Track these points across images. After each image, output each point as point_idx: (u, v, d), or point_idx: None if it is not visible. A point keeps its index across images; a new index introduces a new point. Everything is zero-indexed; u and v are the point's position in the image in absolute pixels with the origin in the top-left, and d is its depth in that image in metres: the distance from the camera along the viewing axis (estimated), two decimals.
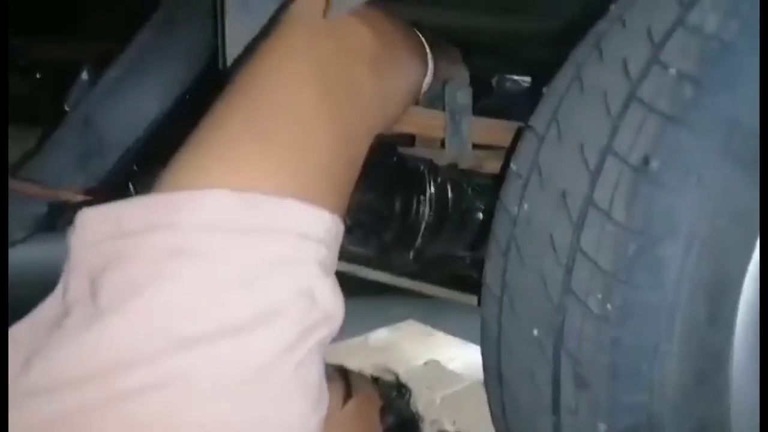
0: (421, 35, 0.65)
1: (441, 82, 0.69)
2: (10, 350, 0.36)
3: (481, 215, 0.76)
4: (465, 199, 0.76)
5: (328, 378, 0.56)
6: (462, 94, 0.71)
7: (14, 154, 0.80)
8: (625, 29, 0.60)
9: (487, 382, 0.61)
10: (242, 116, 0.44)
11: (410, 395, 0.62)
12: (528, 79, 1.11)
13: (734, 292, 0.50)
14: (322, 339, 0.39)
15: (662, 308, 0.49)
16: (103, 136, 0.78)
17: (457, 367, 1.30)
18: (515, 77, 1.12)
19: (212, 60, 0.73)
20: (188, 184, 0.40)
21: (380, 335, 1.42)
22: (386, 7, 0.55)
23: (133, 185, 0.79)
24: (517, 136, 0.66)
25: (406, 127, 0.74)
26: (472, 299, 0.68)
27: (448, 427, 0.94)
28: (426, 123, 0.72)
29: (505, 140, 0.71)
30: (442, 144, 0.72)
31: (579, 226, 0.54)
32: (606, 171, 0.54)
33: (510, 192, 0.61)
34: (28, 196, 0.67)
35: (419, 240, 0.75)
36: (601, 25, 0.62)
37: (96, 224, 0.38)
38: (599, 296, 0.50)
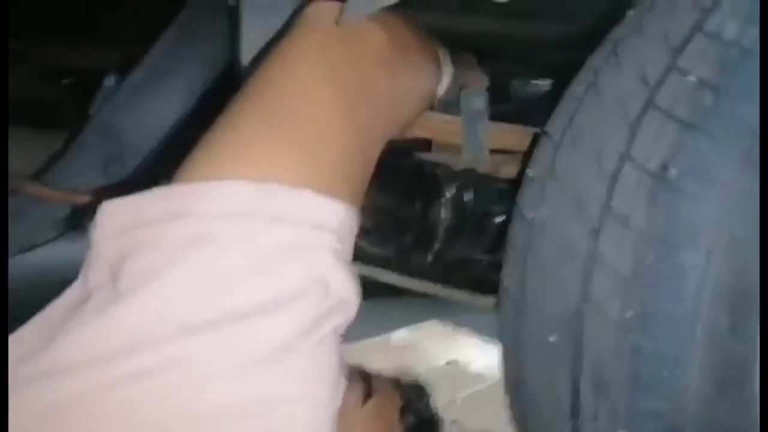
0: (437, 42, 0.66)
1: (457, 88, 0.69)
2: (29, 337, 0.36)
3: (499, 219, 0.76)
4: (483, 203, 0.76)
5: (348, 377, 0.57)
6: (478, 100, 0.71)
7: (42, 158, 0.82)
8: (643, 35, 0.60)
9: (506, 387, 0.61)
10: (258, 114, 0.45)
11: (430, 396, 0.62)
12: (548, 83, 1.11)
13: (757, 301, 0.50)
14: (338, 326, 0.40)
15: (683, 317, 0.49)
16: (124, 140, 0.80)
17: (479, 367, 1.30)
18: (535, 81, 1.12)
19: (230, 63, 0.74)
20: (205, 177, 0.40)
21: (402, 335, 1.43)
22: (403, 13, 0.56)
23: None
24: (534, 141, 0.66)
25: (423, 132, 0.74)
26: (490, 302, 0.69)
27: (468, 427, 0.94)
28: (442, 128, 0.73)
29: (522, 145, 0.71)
30: (459, 149, 0.73)
31: (597, 233, 0.54)
32: (624, 178, 0.54)
33: (527, 198, 0.61)
34: (45, 200, 0.68)
35: (438, 243, 0.75)
36: (618, 31, 0.62)
37: (116, 216, 0.39)
38: (618, 304, 0.50)
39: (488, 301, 0.70)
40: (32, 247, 0.67)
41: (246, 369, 0.36)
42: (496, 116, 0.78)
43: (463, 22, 0.73)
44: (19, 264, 0.67)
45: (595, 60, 0.63)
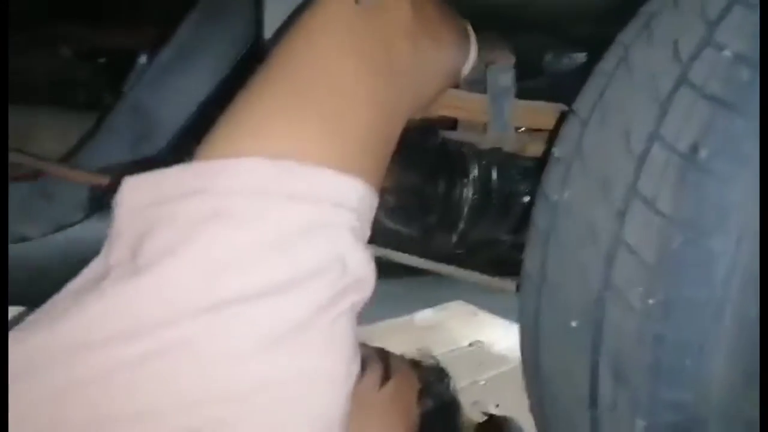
0: (463, 18, 0.64)
1: (483, 65, 0.67)
2: (48, 311, 0.37)
3: (524, 199, 0.75)
4: (508, 183, 0.74)
5: (368, 359, 0.57)
6: (505, 76, 0.69)
7: (78, 138, 0.83)
8: (678, 7, 0.57)
9: (525, 373, 0.60)
10: (279, 88, 0.44)
11: (450, 379, 0.62)
12: (583, 55, 1.07)
13: None
14: (354, 304, 0.40)
15: (709, 304, 0.47)
16: (152, 119, 0.80)
17: (502, 349, 1.29)
18: (570, 54, 1.08)
19: (256, 40, 0.74)
20: (225, 153, 0.40)
21: (426, 315, 1.42)
22: None
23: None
24: (561, 119, 0.64)
25: (448, 111, 0.73)
26: (512, 285, 0.67)
27: (491, 409, 0.94)
28: (468, 106, 0.71)
29: (549, 123, 0.69)
30: (485, 128, 0.71)
31: (622, 216, 0.52)
32: (652, 158, 0.51)
33: (551, 178, 0.59)
34: (70, 180, 0.70)
35: (462, 223, 0.74)
36: (653, 3, 0.59)
37: (137, 192, 0.39)
38: (641, 290, 0.48)
39: (510, 284, 0.68)
40: (61, 228, 0.69)
41: (263, 348, 0.36)
42: (528, 91, 0.76)
43: None
44: (51, 242, 0.70)
45: (627, 34, 0.60)
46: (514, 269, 0.65)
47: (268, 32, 0.65)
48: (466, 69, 0.65)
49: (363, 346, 0.44)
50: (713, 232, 0.48)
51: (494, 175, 0.73)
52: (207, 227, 0.36)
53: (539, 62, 1.03)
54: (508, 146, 0.73)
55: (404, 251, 0.74)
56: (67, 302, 0.37)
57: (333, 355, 0.38)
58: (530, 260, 0.59)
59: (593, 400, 0.51)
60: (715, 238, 0.47)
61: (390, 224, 0.76)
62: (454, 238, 0.73)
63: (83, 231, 0.70)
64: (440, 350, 1.25)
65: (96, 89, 1.07)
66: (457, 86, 0.69)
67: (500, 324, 1.41)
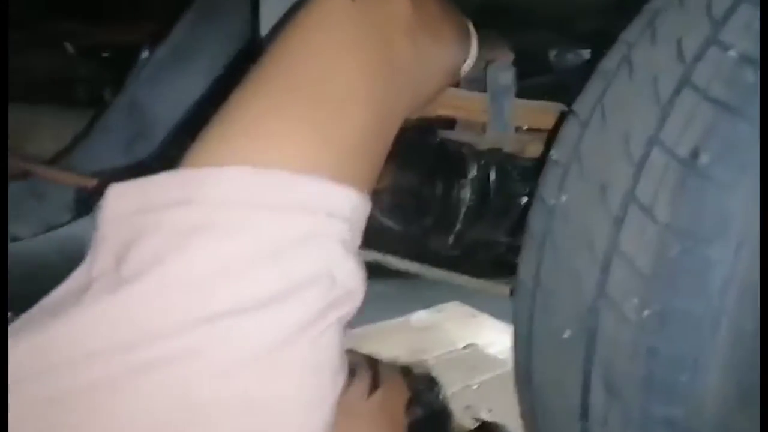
0: (463, 15, 0.62)
1: (482, 63, 0.66)
2: (28, 325, 0.36)
3: (523, 200, 0.73)
4: (507, 184, 0.73)
5: (356, 367, 0.56)
6: (505, 75, 0.68)
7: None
8: (683, 5, 0.54)
9: (517, 380, 0.59)
10: (273, 87, 0.43)
11: (440, 388, 0.60)
12: (588, 51, 1.05)
13: None
14: (342, 316, 0.39)
15: (705, 316, 0.45)
16: (148, 116, 0.80)
17: (497, 352, 1.27)
18: (575, 50, 1.06)
19: (253, 38, 0.73)
20: (213, 159, 0.39)
21: (422, 316, 1.41)
22: None
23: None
24: (561, 120, 0.62)
25: (447, 110, 0.71)
26: (506, 290, 0.66)
27: (483, 414, 0.92)
28: (467, 105, 0.69)
29: (550, 123, 0.67)
30: (484, 128, 0.69)
31: (619, 223, 0.50)
32: (651, 164, 0.50)
33: (548, 181, 0.58)
34: (58, 182, 0.69)
35: (459, 224, 0.73)
36: (657, 1, 0.57)
37: (123, 199, 0.38)
38: (635, 301, 0.46)
39: (504, 289, 0.67)
40: (51, 229, 0.69)
41: (245, 363, 0.35)
42: (532, 89, 0.74)
43: None
44: (45, 240, 0.69)
45: (631, 32, 0.59)
46: (511, 271, 0.64)
47: (264, 30, 0.64)
48: (467, 67, 0.64)
49: (352, 353, 0.43)
50: (711, 241, 0.46)
51: (493, 175, 0.72)
52: (194, 238, 0.36)
53: (545, 59, 1.01)
54: (508, 146, 0.71)
55: (400, 251, 0.73)
56: (56, 309, 0.36)
57: (314, 376, 0.37)
58: (525, 265, 0.57)
59: (584, 412, 0.50)
60: (714, 247, 0.46)
61: (386, 224, 0.75)
62: (451, 240, 0.72)
63: (77, 229, 0.70)
64: (435, 352, 1.23)
65: (97, 86, 1.07)
66: (456, 84, 0.68)
67: (496, 327, 1.40)
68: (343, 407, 0.39)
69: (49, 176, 0.66)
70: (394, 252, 0.72)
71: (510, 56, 0.68)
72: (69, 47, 1.03)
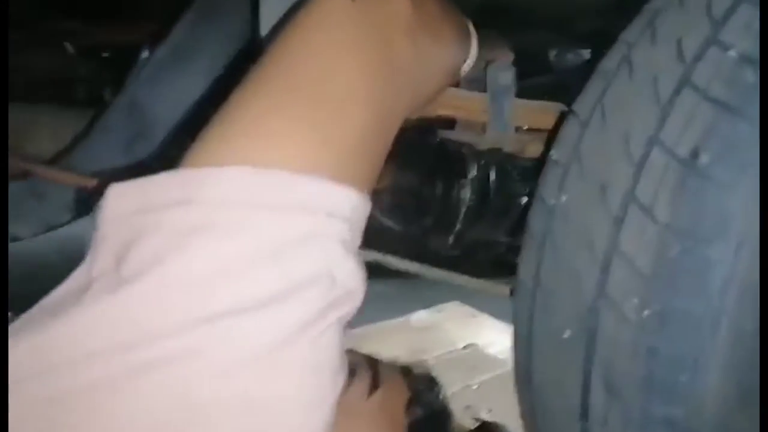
0: (463, 15, 0.62)
1: (482, 63, 0.66)
2: (27, 325, 0.36)
3: (523, 200, 0.73)
4: (507, 184, 0.73)
5: (356, 367, 0.56)
6: (505, 75, 0.68)
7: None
8: (683, 5, 0.54)
9: (517, 380, 0.59)
10: (273, 87, 0.43)
11: (440, 388, 0.60)
12: (588, 51, 1.05)
13: None
14: (342, 316, 0.39)
15: (705, 316, 0.45)
16: (148, 116, 0.80)
17: (497, 352, 1.27)
18: (575, 50, 1.06)
19: (253, 38, 0.73)
20: (213, 159, 0.39)
21: (422, 316, 1.41)
22: None
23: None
24: (561, 120, 0.62)
25: (446, 110, 0.71)
26: (506, 290, 0.66)
27: (483, 414, 0.92)
28: (467, 105, 0.69)
29: (550, 123, 0.67)
30: (484, 128, 0.69)
31: (619, 223, 0.50)
32: (651, 164, 0.50)
33: (548, 181, 0.58)
34: (57, 182, 0.69)
35: (459, 224, 0.73)
36: (657, 2, 0.57)
37: (123, 199, 0.38)
38: (635, 301, 0.46)
39: (504, 288, 0.67)
40: (51, 229, 0.69)
41: (245, 364, 0.35)
42: (532, 89, 0.74)
43: None
44: (45, 240, 0.69)
45: (631, 32, 0.59)
46: (511, 271, 0.64)
47: (264, 30, 0.64)
48: (467, 67, 0.64)
49: (352, 353, 0.43)
50: (711, 241, 0.46)
51: (493, 175, 0.72)
52: (194, 238, 0.36)
53: (545, 59, 1.01)
54: (508, 146, 0.71)
55: (400, 251, 0.73)
56: (56, 309, 0.36)
57: (314, 376, 0.37)
58: (525, 265, 0.57)
59: (584, 412, 0.50)
60: (714, 247, 0.46)
61: (386, 224, 0.75)
62: (451, 240, 0.72)
63: (77, 229, 0.70)
64: (435, 352, 1.23)
65: (97, 86, 1.07)
66: (456, 84, 0.68)
67: (496, 327, 1.39)
68: (343, 407, 0.39)
69: (49, 176, 0.66)
70: (394, 252, 0.72)
71: (510, 56, 0.68)
72: (69, 47, 1.03)
